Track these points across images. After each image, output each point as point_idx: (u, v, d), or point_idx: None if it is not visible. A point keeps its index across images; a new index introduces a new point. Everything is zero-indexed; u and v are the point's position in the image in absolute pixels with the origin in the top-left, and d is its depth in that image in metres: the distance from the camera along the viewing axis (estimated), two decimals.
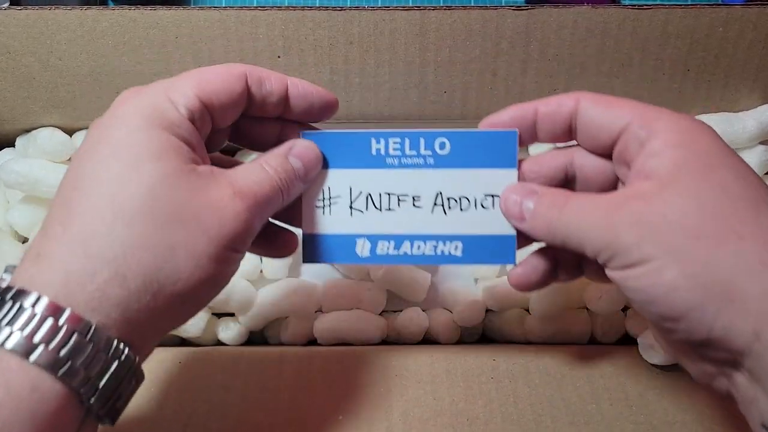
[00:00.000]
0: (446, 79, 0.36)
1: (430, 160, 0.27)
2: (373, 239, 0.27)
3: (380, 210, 0.27)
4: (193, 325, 0.36)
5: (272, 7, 0.34)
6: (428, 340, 0.39)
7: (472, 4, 0.44)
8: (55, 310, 0.19)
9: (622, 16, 0.34)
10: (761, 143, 0.38)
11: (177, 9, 0.34)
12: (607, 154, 0.26)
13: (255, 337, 0.39)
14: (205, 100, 0.23)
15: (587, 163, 0.26)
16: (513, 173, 0.27)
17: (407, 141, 0.27)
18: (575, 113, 0.25)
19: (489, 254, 0.27)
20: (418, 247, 0.27)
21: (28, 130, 0.38)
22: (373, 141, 0.27)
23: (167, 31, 0.34)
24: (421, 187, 0.27)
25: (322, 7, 0.34)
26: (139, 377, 0.22)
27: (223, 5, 0.36)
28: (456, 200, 0.27)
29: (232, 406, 0.33)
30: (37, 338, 0.19)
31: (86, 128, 0.38)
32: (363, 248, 0.27)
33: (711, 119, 0.37)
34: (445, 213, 0.27)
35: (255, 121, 0.27)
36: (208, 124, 0.24)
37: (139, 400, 0.32)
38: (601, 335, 0.38)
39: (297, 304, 0.37)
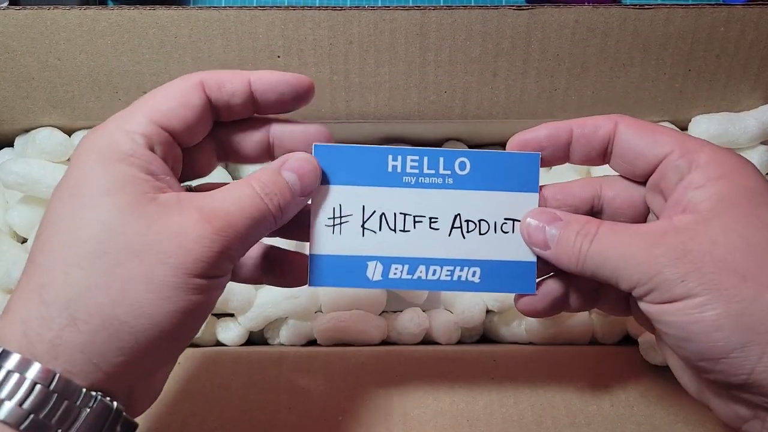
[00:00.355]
0: (446, 79, 0.36)
1: (450, 180, 0.26)
2: (386, 262, 0.26)
3: (394, 231, 0.26)
4: None
5: (272, 6, 0.34)
6: (428, 340, 0.39)
7: (473, 4, 0.44)
8: (21, 363, 0.19)
9: (623, 16, 0.34)
10: (762, 143, 0.38)
11: (176, 9, 0.34)
12: (639, 181, 0.25)
13: (255, 338, 0.39)
14: (161, 122, 0.23)
15: (618, 195, 0.26)
16: (534, 197, 0.26)
17: (426, 159, 0.26)
18: (612, 137, 0.25)
19: (508, 282, 0.26)
20: (434, 272, 0.26)
21: (27, 130, 0.38)
22: (390, 158, 0.26)
23: (166, 31, 0.34)
24: (439, 208, 0.26)
25: (322, 6, 0.34)
26: (126, 424, 0.21)
27: (223, 5, 0.36)
28: (475, 223, 0.26)
29: (232, 406, 0.32)
30: (3, 393, 0.19)
31: (85, 128, 0.38)
32: (374, 271, 0.26)
33: (712, 119, 0.37)
34: (463, 236, 0.26)
35: (236, 130, 0.26)
36: (172, 147, 0.23)
37: None
38: (601, 336, 0.38)
39: (297, 305, 0.37)
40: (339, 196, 0.26)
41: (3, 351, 0.19)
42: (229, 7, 0.34)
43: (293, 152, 0.25)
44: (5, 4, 0.41)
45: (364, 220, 0.26)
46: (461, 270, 0.26)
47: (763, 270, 0.20)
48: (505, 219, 0.26)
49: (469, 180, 0.26)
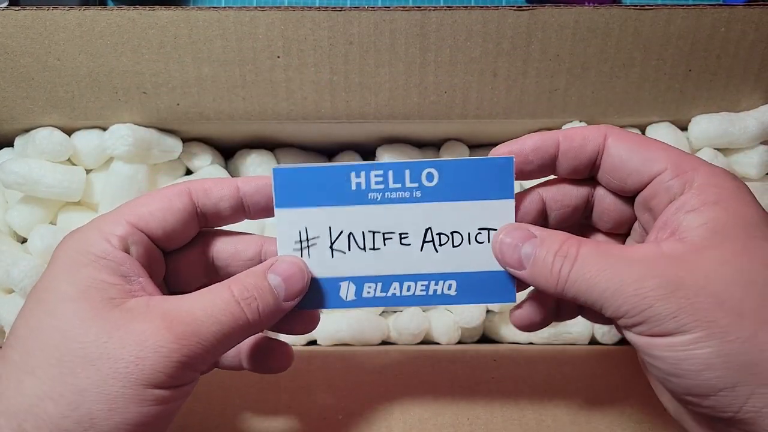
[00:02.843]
0: (447, 80, 0.36)
1: (417, 194, 0.25)
2: (358, 282, 0.25)
3: (364, 250, 0.25)
4: None
5: (272, 7, 0.34)
6: (428, 340, 0.39)
7: (473, 4, 0.44)
8: None
9: (623, 17, 0.34)
10: (762, 143, 0.38)
11: (176, 9, 0.34)
12: (627, 196, 0.24)
13: None
14: (138, 224, 0.23)
15: (609, 197, 0.25)
16: (509, 204, 0.25)
17: (391, 173, 0.25)
18: (601, 151, 0.23)
19: (486, 292, 0.25)
20: (408, 287, 0.25)
21: (27, 130, 0.38)
22: (353, 175, 0.25)
23: (166, 32, 0.34)
24: (409, 223, 0.25)
25: (322, 7, 0.34)
26: None
27: (222, 5, 0.36)
28: (447, 236, 0.25)
29: (231, 406, 0.33)
30: None
31: (85, 128, 0.38)
32: (347, 292, 0.25)
33: (712, 119, 0.37)
34: (436, 250, 0.25)
35: (228, 244, 0.26)
36: (150, 249, 0.23)
37: None
38: (601, 336, 0.38)
39: None
40: (303, 218, 0.25)
41: None
42: (229, 7, 0.34)
43: (282, 256, 0.25)
44: (5, 5, 0.41)
45: (332, 241, 0.25)
46: (436, 284, 0.25)
47: (760, 307, 0.19)
48: (479, 229, 0.25)
49: (438, 191, 0.25)
